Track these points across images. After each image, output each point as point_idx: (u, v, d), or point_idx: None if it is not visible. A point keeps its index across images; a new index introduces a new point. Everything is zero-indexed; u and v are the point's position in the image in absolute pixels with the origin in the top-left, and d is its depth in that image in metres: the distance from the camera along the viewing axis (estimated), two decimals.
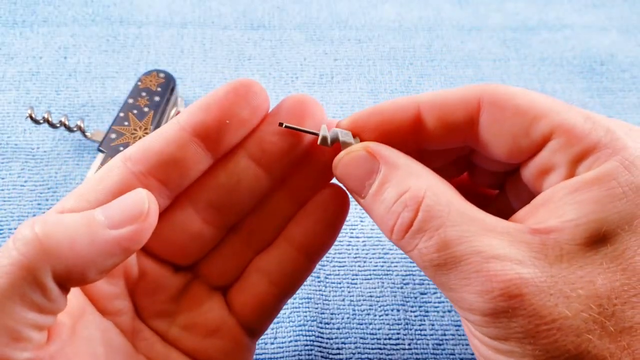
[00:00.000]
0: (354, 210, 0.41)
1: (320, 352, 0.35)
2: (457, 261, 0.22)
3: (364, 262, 0.39)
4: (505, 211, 0.28)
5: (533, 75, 0.53)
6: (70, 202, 0.25)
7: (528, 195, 0.25)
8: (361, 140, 0.26)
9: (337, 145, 0.26)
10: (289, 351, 0.35)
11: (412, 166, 0.25)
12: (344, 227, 0.40)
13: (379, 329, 0.36)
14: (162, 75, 0.45)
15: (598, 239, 0.21)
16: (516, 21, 0.57)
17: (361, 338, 0.36)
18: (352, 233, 0.41)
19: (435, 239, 0.22)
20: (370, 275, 0.39)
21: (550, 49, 0.55)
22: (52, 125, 0.43)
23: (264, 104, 0.27)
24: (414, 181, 0.24)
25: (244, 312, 0.29)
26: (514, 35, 0.56)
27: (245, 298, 0.29)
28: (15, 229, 0.39)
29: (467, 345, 0.36)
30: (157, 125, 0.42)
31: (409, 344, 0.36)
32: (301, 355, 0.35)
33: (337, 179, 0.26)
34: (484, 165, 0.29)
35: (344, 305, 0.37)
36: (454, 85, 0.51)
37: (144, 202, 0.23)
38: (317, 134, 0.26)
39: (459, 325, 0.36)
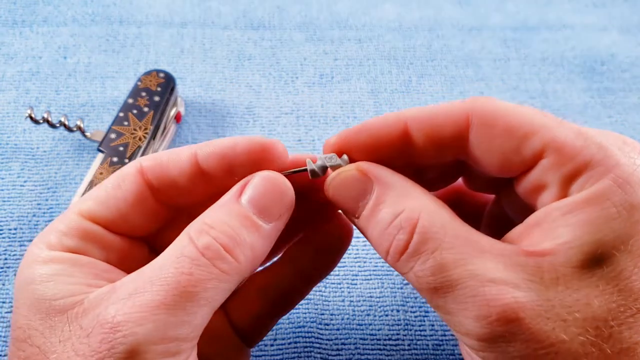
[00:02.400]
0: None
1: (320, 353, 0.35)
2: (454, 285, 0.22)
3: (364, 262, 0.39)
4: (500, 217, 0.28)
5: (533, 75, 0.52)
6: (88, 205, 0.25)
7: (523, 204, 0.25)
8: (349, 159, 0.26)
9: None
10: (288, 353, 0.35)
11: (406, 186, 0.25)
12: None
13: (378, 330, 0.36)
14: (162, 75, 0.45)
15: (594, 261, 0.21)
16: (516, 21, 0.57)
17: (361, 339, 0.35)
18: None
19: (431, 262, 0.22)
20: (370, 275, 0.38)
21: (551, 48, 0.55)
22: (52, 125, 0.43)
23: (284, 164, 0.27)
24: (409, 202, 0.24)
25: (240, 324, 0.29)
26: (514, 35, 0.56)
27: (241, 312, 0.29)
28: (15, 229, 0.39)
29: None
30: (157, 125, 0.42)
31: (409, 345, 0.36)
32: (301, 356, 0.35)
33: (329, 199, 0.26)
34: (477, 172, 0.29)
35: (343, 306, 0.37)
36: (455, 85, 0.51)
37: (290, 191, 0.25)
38: (305, 170, 0.26)
39: None
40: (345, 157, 0.26)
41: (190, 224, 0.24)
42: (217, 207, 0.24)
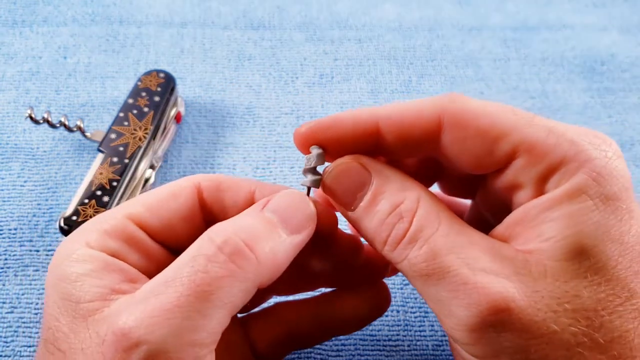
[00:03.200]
0: None
1: (320, 354, 0.35)
2: (445, 272, 0.22)
3: None
4: (479, 223, 0.28)
5: (533, 75, 0.52)
6: (138, 210, 0.25)
7: (500, 204, 0.26)
8: (323, 150, 0.26)
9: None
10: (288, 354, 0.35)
11: (403, 178, 0.25)
12: (344, 226, 0.40)
13: (378, 331, 0.36)
14: (162, 75, 0.45)
15: (579, 253, 0.21)
16: (516, 21, 0.57)
17: (361, 340, 0.36)
18: None
19: (425, 248, 0.22)
20: None
21: (551, 48, 0.55)
22: (52, 125, 0.43)
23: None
24: (408, 193, 0.24)
25: (259, 346, 0.30)
26: (514, 35, 0.56)
27: (262, 335, 0.30)
28: (15, 229, 0.39)
29: None
30: (157, 126, 0.42)
31: (409, 346, 0.36)
32: (301, 357, 0.35)
33: (325, 191, 0.26)
34: (451, 171, 0.29)
35: None
36: (455, 85, 0.51)
37: (311, 205, 0.25)
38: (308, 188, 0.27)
39: None
40: (318, 149, 0.26)
41: (209, 228, 0.24)
42: (239, 216, 0.25)
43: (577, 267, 0.21)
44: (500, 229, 0.24)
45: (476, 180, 0.28)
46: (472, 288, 0.21)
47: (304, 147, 0.26)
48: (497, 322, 0.21)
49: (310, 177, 0.26)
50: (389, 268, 0.31)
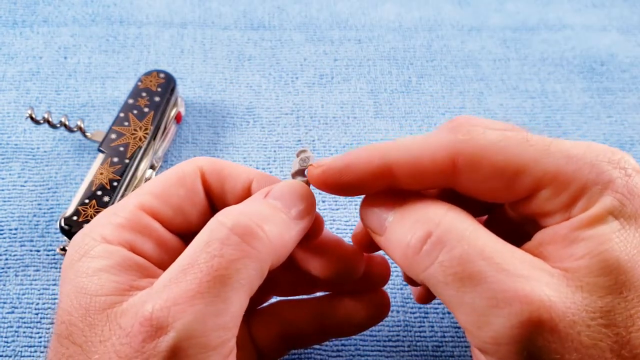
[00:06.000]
0: (355, 210, 0.41)
1: (320, 354, 0.35)
2: (482, 277, 0.21)
3: None
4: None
5: (533, 75, 0.53)
6: (148, 199, 0.25)
7: (519, 223, 0.26)
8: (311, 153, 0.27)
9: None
10: (288, 354, 0.35)
11: (427, 199, 0.25)
12: (344, 227, 0.40)
13: (378, 331, 0.36)
14: (162, 75, 0.45)
15: (614, 268, 0.21)
16: (516, 21, 0.57)
17: (361, 340, 0.36)
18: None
19: (459, 249, 0.22)
20: None
21: (551, 49, 0.55)
22: (52, 126, 0.43)
23: None
24: (433, 208, 0.24)
25: (259, 342, 0.30)
26: (514, 35, 0.56)
27: (262, 331, 0.30)
28: (16, 229, 0.39)
29: (467, 347, 0.36)
30: (157, 126, 0.42)
31: (409, 346, 0.36)
32: (301, 357, 0.35)
33: (361, 220, 0.27)
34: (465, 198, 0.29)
35: None
36: (455, 85, 0.51)
37: (311, 192, 0.26)
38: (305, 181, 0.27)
39: (459, 328, 0.36)
40: (310, 152, 0.27)
41: (217, 213, 0.24)
42: (244, 202, 0.25)
43: (613, 282, 0.21)
44: (529, 246, 0.24)
45: (492, 208, 0.28)
46: (512, 296, 0.20)
47: (320, 187, 0.26)
48: (538, 334, 0.20)
49: (299, 179, 0.27)
50: (388, 279, 0.31)
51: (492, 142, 0.23)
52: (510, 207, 0.26)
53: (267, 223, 0.23)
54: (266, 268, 0.23)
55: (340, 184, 0.25)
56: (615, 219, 0.22)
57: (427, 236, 0.22)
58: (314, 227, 0.27)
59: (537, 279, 0.21)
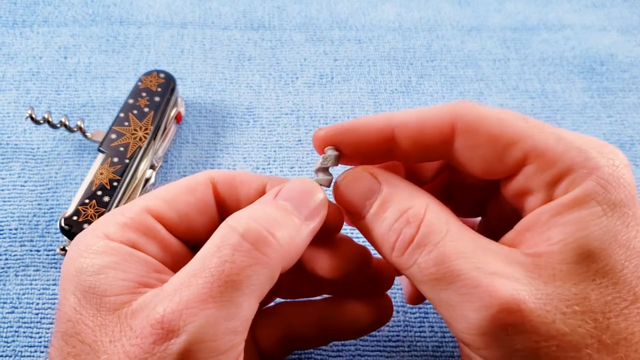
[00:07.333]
0: None
1: (320, 355, 0.35)
2: (456, 275, 0.22)
3: None
4: (487, 236, 0.28)
5: (533, 75, 0.53)
6: (156, 203, 0.26)
7: (510, 213, 0.26)
8: (339, 152, 0.27)
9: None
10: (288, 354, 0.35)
11: (411, 187, 0.26)
12: (344, 228, 0.40)
13: (378, 332, 0.36)
14: (162, 75, 0.45)
15: (587, 256, 0.22)
16: (516, 21, 0.57)
17: (361, 340, 0.36)
18: (352, 234, 0.41)
19: (435, 252, 0.23)
20: None
21: (550, 49, 0.55)
22: (53, 126, 0.43)
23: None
24: (415, 201, 0.24)
25: (262, 343, 0.30)
26: (514, 35, 0.56)
27: (265, 332, 0.30)
28: (16, 229, 0.39)
29: None
30: (157, 126, 0.42)
31: (409, 347, 0.36)
32: (301, 357, 0.35)
33: (336, 199, 0.27)
34: (462, 179, 0.29)
35: None
36: (455, 85, 0.51)
37: (322, 191, 0.26)
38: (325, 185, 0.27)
39: None
40: (334, 151, 0.27)
41: (228, 218, 0.24)
42: (254, 205, 0.25)
43: (585, 270, 0.22)
44: (509, 235, 0.24)
45: (487, 191, 0.29)
46: (483, 291, 0.21)
47: (321, 148, 0.27)
48: (508, 325, 0.21)
49: (322, 176, 0.27)
50: (393, 281, 0.31)
51: (490, 113, 0.25)
52: (501, 191, 0.26)
53: (278, 229, 0.23)
54: (277, 273, 0.23)
55: (345, 142, 0.26)
56: (598, 204, 0.22)
57: (409, 242, 0.24)
58: (334, 221, 0.27)
59: (508, 275, 0.22)
